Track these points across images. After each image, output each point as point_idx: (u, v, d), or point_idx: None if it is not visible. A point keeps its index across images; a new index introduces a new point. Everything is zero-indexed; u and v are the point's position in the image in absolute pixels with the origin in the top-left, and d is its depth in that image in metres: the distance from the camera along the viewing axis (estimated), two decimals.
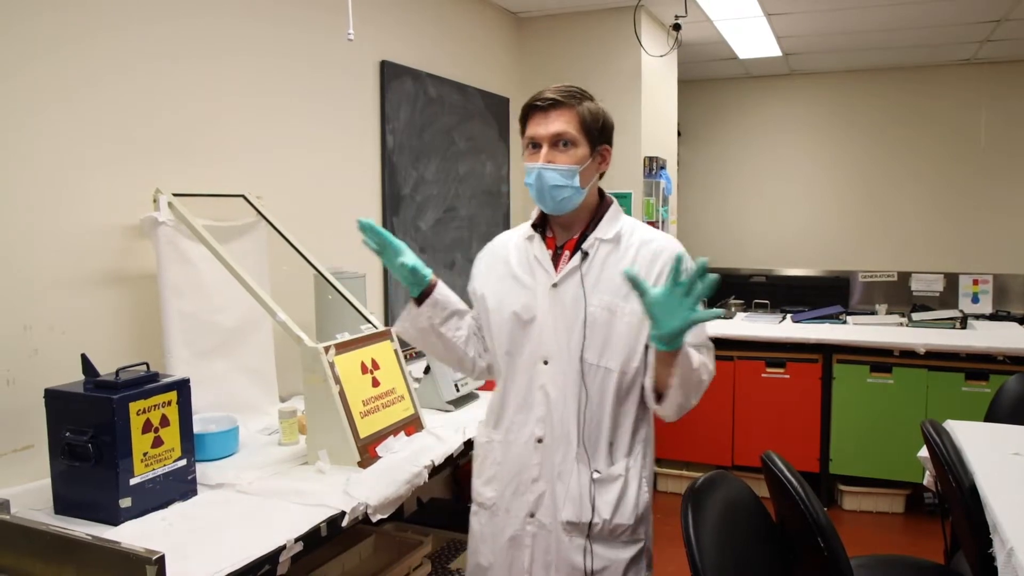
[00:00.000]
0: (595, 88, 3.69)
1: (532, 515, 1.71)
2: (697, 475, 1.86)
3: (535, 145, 1.67)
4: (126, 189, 2.13)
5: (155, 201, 2.10)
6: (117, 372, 1.72)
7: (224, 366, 2.28)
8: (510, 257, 1.79)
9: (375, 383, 2.09)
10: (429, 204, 3.57)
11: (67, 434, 1.68)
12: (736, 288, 5.93)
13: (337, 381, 1.94)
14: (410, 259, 1.73)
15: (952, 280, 5.80)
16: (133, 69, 2.14)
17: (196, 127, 2.35)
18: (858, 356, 4.10)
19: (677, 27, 4.12)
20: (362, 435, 1.97)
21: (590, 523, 1.67)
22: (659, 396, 1.61)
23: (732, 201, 6.39)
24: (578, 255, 1.68)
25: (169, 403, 1.76)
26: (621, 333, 1.65)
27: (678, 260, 1.43)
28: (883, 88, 5.87)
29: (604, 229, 1.70)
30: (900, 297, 5.90)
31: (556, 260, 1.72)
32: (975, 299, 5.79)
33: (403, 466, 1.98)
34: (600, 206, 1.74)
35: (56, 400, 1.70)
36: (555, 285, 1.69)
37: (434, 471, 2.07)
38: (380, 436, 2.04)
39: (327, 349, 1.95)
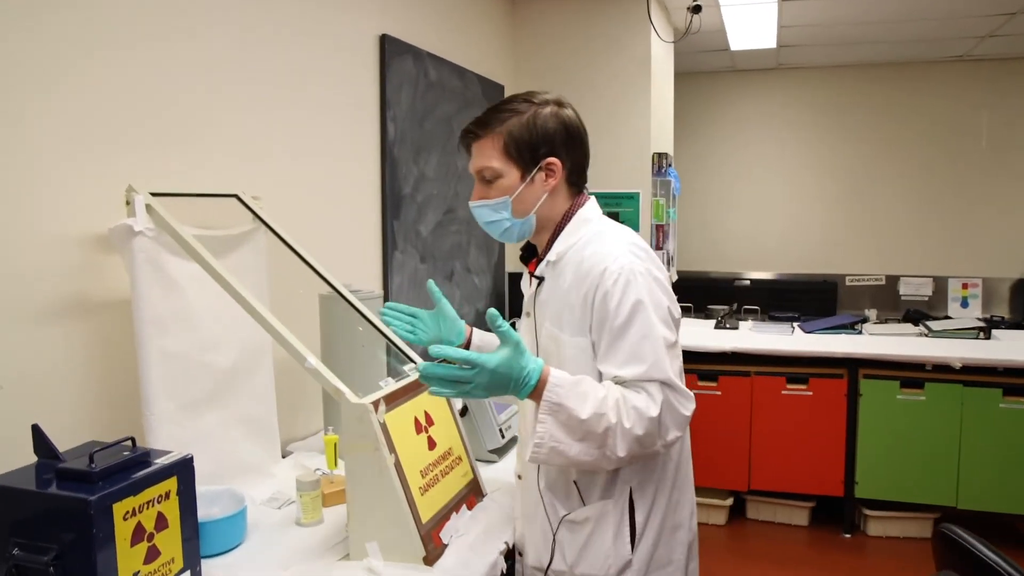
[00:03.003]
0: (599, 77, 3.04)
1: (521, 554, 1.62)
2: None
3: None
4: (88, 188, 1.56)
5: (128, 203, 1.54)
6: (91, 456, 1.17)
7: (217, 419, 1.74)
8: None
9: (431, 444, 1.59)
10: (430, 205, 3.06)
11: (16, 551, 1.13)
12: (719, 293, 5.62)
13: (392, 449, 1.43)
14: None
15: (941, 284, 5.63)
16: (91, 47, 1.58)
17: (167, 113, 1.79)
18: (886, 371, 3.80)
19: (697, 9, 3.72)
20: (424, 519, 1.47)
21: (547, 568, 1.52)
22: None
23: (714, 201, 6.09)
24: (534, 281, 1.55)
25: (167, 495, 1.23)
26: (570, 365, 1.42)
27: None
28: (869, 85, 5.66)
29: (555, 249, 1.51)
30: (888, 301, 5.71)
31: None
32: (964, 303, 5.64)
33: (476, 557, 1.49)
34: (563, 219, 1.53)
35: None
36: (528, 314, 1.58)
37: (508, 555, 1.59)
38: (443, 516, 1.54)
39: (376, 405, 1.44)
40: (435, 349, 1.24)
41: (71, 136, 1.54)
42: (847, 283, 5.80)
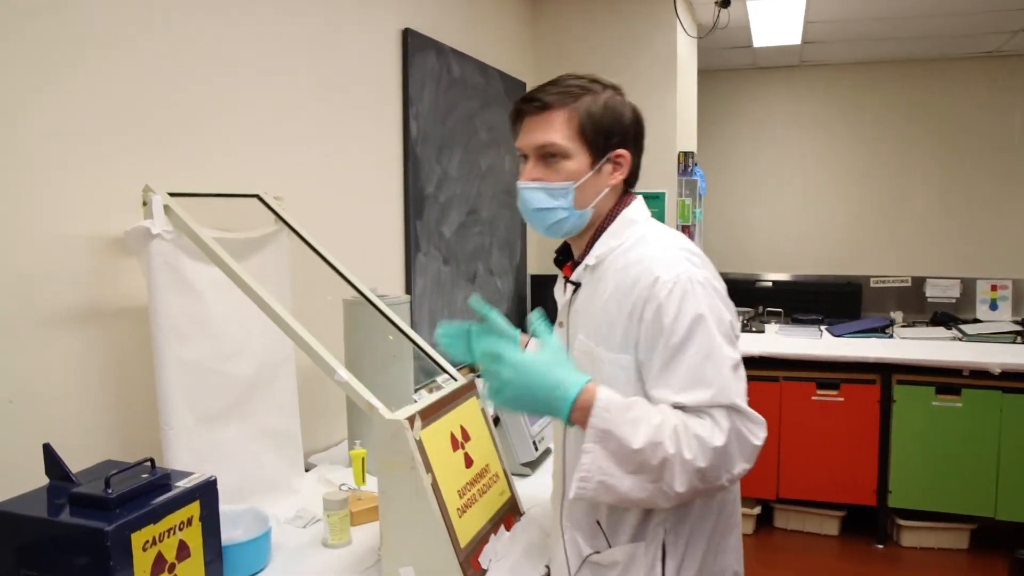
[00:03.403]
0: (623, 74, 2.78)
1: None
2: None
3: (525, 156, 1.34)
4: (98, 188, 1.47)
5: (145, 204, 1.44)
6: (107, 480, 1.07)
7: (237, 432, 1.64)
8: None
9: (468, 461, 1.49)
10: (453, 205, 2.96)
11: None
12: (740, 295, 5.48)
13: (428, 468, 1.33)
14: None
15: (968, 285, 5.48)
16: (103, 40, 1.48)
17: (180, 110, 1.70)
18: (921, 376, 3.67)
19: (726, 2, 3.61)
20: (463, 542, 1.36)
21: None
22: None
23: (735, 201, 5.96)
24: (570, 287, 1.38)
25: (189, 521, 1.13)
26: (608, 384, 1.23)
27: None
28: (893, 82, 5.52)
29: (595, 251, 1.35)
30: (913, 303, 5.56)
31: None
32: (993, 306, 5.48)
33: None
34: (607, 218, 1.36)
35: (6, 527, 1.05)
36: (560, 324, 1.41)
37: None
38: (482, 539, 1.44)
39: (411, 421, 1.33)
40: (476, 302, 1.28)
41: (80, 134, 1.44)
42: (871, 284, 5.66)
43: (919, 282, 5.58)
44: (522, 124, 1.33)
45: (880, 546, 3.78)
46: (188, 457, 1.46)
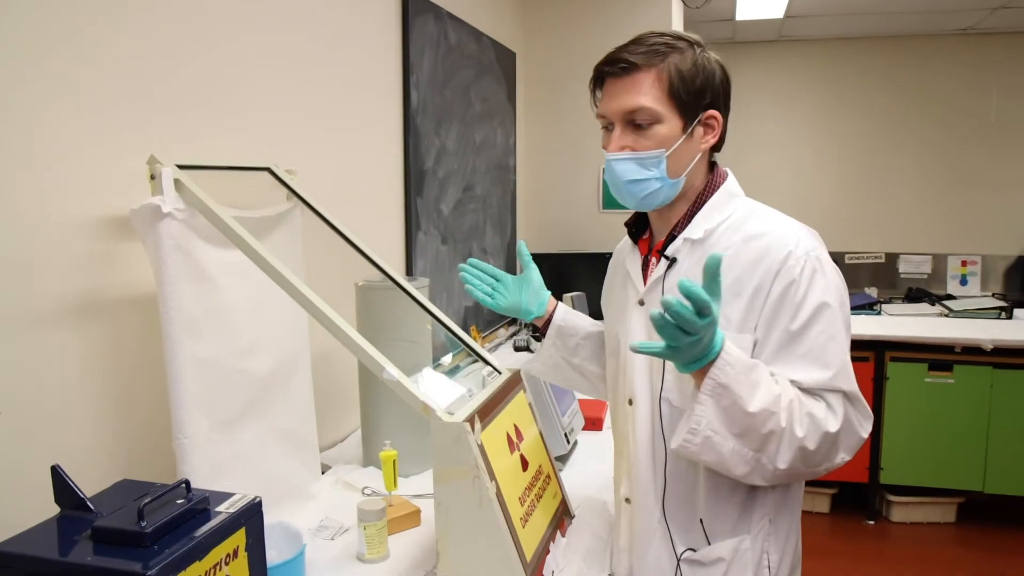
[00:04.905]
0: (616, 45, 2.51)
1: None
2: None
3: (609, 125, 1.23)
4: (95, 165, 1.26)
5: (153, 178, 1.24)
6: (140, 510, 0.89)
7: (253, 436, 1.46)
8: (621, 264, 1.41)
9: (524, 464, 1.34)
10: (450, 181, 2.78)
11: None
12: None
13: (492, 476, 1.18)
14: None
15: (940, 261, 5.54)
16: (94, 6, 1.27)
17: (176, 78, 1.48)
18: (914, 353, 3.65)
19: None
20: (528, 555, 1.22)
21: None
22: None
23: None
24: (664, 262, 1.25)
25: (235, 553, 0.96)
26: None
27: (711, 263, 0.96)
28: (871, 58, 5.49)
29: (698, 224, 1.24)
30: (887, 279, 5.59)
31: (647, 267, 1.31)
32: (963, 281, 5.56)
33: None
34: (706, 190, 1.26)
35: (11, 573, 0.86)
36: (641, 302, 1.29)
37: None
38: (543, 549, 1.30)
39: (471, 422, 1.18)
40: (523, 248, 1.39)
41: (75, 105, 1.23)
42: (846, 261, 5.67)
43: (892, 258, 5.61)
44: (604, 89, 1.22)
45: (871, 522, 3.78)
46: (205, 468, 1.29)
